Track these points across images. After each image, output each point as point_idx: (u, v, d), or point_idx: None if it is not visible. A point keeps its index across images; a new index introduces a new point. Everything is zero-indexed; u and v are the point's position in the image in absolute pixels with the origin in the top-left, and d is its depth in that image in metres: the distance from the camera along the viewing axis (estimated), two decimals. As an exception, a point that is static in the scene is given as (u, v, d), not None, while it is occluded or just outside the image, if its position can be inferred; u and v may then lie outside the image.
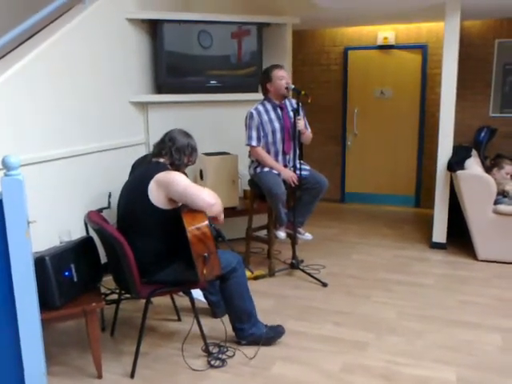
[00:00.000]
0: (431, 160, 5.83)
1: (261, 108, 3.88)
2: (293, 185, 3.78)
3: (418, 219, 5.79)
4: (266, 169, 3.86)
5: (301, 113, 3.85)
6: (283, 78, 3.82)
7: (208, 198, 2.55)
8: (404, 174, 6.32)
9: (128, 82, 4.13)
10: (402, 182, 6.34)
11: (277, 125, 3.86)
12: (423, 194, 6.24)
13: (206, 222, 2.49)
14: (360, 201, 6.53)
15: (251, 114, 3.85)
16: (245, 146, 3.92)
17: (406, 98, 6.16)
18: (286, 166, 3.93)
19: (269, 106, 3.89)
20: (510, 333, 3.06)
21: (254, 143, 3.84)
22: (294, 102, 3.93)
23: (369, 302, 3.54)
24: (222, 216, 2.70)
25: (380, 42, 6.08)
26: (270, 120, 3.86)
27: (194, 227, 2.47)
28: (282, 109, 3.91)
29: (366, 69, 6.27)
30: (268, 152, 3.89)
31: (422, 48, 5.97)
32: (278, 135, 3.86)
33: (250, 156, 4.03)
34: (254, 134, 3.84)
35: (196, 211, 2.54)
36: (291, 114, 3.82)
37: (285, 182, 3.79)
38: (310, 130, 4.03)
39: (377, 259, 4.43)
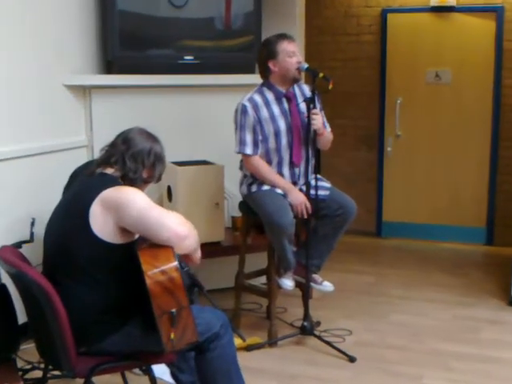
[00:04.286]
0: (510, 175, 5.86)
1: (258, 98, 3.89)
2: (300, 216, 3.78)
3: (492, 262, 5.80)
4: (266, 187, 3.88)
5: (317, 105, 3.88)
6: (294, 54, 3.84)
7: (176, 226, 2.55)
8: (470, 197, 6.35)
9: (62, 57, 4.16)
10: (468, 207, 6.37)
11: (282, 124, 3.88)
12: (498, 226, 6.27)
13: (175, 264, 2.49)
14: (404, 235, 6.55)
15: (244, 107, 3.85)
16: (235, 153, 3.94)
17: (472, 83, 6.23)
18: (294, 183, 3.96)
19: (270, 96, 3.91)
20: None
21: (248, 151, 3.85)
22: (306, 88, 3.97)
23: (417, 386, 3.54)
24: (199, 254, 2.71)
25: (435, 1, 6.17)
26: (272, 117, 3.88)
27: (157, 270, 2.46)
28: (289, 100, 3.93)
29: (414, 41, 6.36)
30: (269, 163, 3.91)
31: (495, 11, 6.05)
32: (284, 139, 3.89)
33: (242, 168, 4.06)
34: (249, 138, 3.85)
35: (160, 247, 2.54)
36: (303, 106, 3.84)
37: (292, 207, 3.81)
38: (329, 129, 4.07)
39: (429, 321, 4.43)
